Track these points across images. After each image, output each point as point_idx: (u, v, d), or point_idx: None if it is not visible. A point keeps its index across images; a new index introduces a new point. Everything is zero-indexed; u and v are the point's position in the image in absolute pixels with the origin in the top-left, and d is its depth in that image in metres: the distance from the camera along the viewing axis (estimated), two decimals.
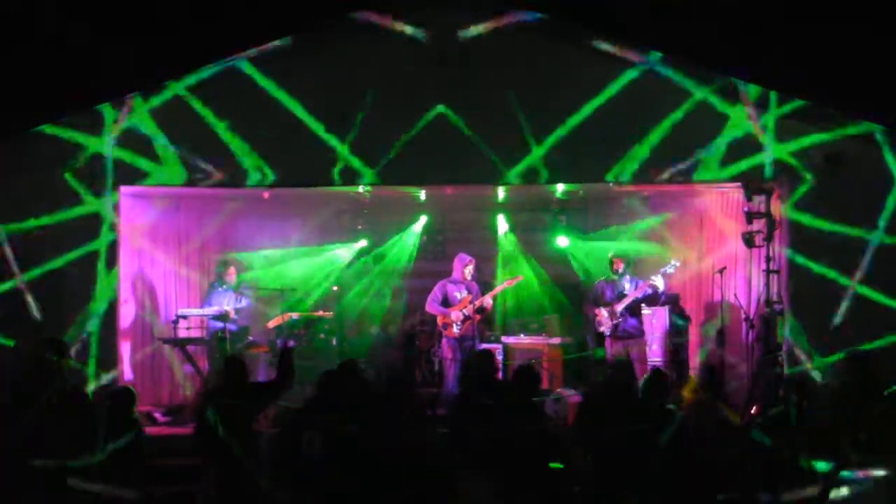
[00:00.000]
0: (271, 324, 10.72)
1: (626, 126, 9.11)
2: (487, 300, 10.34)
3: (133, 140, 9.06)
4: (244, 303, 10.30)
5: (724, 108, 9.11)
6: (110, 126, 9.01)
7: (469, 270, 10.34)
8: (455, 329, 10.18)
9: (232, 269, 10.46)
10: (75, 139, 8.98)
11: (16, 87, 8.32)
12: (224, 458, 6.45)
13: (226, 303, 10.09)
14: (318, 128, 9.11)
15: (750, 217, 9.28)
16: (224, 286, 10.29)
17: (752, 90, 9.08)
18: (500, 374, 9.60)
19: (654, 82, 9.09)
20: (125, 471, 6.34)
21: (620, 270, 9.90)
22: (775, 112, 9.08)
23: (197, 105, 9.05)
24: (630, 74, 9.08)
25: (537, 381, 7.06)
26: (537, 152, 9.15)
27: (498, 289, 10.70)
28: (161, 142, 9.07)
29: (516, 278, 10.86)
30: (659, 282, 9.65)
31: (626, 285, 9.82)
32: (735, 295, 9.90)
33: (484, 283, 10.83)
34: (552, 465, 6.48)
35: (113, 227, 9.07)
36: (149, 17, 8.02)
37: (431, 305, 10.36)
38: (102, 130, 9.00)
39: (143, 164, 9.08)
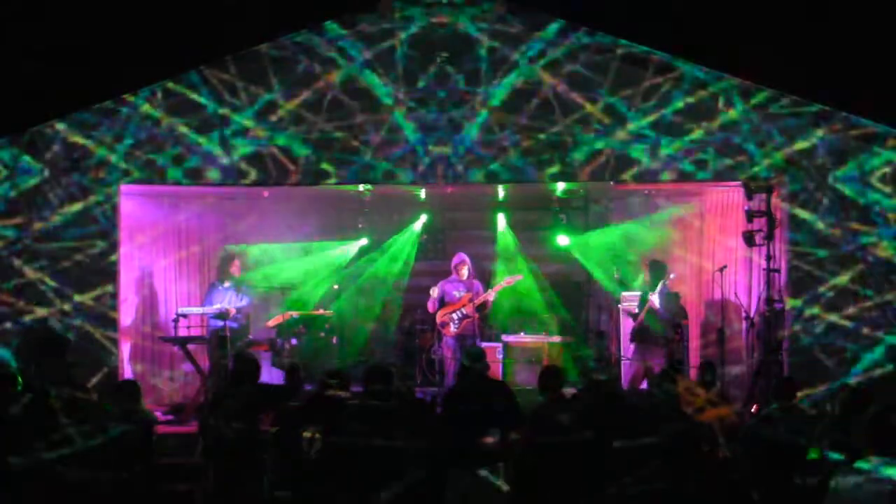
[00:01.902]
0: (271, 322, 10.72)
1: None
2: (486, 298, 10.36)
3: (133, 138, 9.07)
4: (245, 301, 10.27)
5: (725, 107, 9.12)
6: (111, 124, 9.03)
7: (463, 271, 10.37)
8: (452, 328, 10.23)
9: (236, 262, 10.42)
10: (76, 138, 9.00)
11: (17, 85, 8.33)
12: (226, 457, 6.46)
13: (227, 301, 10.07)
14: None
15: (750, 216, 9.27)
16: (225, 284, 10.26)
17: (755, 89, 9.08)
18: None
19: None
20: (130, 463, 6.32)
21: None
22: (776, 110, 9.09)
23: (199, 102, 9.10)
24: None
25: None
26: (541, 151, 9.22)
27: (497, 287, 10.70)
28: (161, 140, 9.09)
29: (515, 277, 10.85)
30: (656, 300, 9.87)
31: (650, 294, 10.03)
32: (735, 294, 9.89)
33: (485, 281, 10.84)
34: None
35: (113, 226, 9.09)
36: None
37: (431, 304, 10.44)
38: (103, 128, 9.02)
39: (142, 162, 9.09)
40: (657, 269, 10.19)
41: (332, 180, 9.28)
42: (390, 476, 6.01)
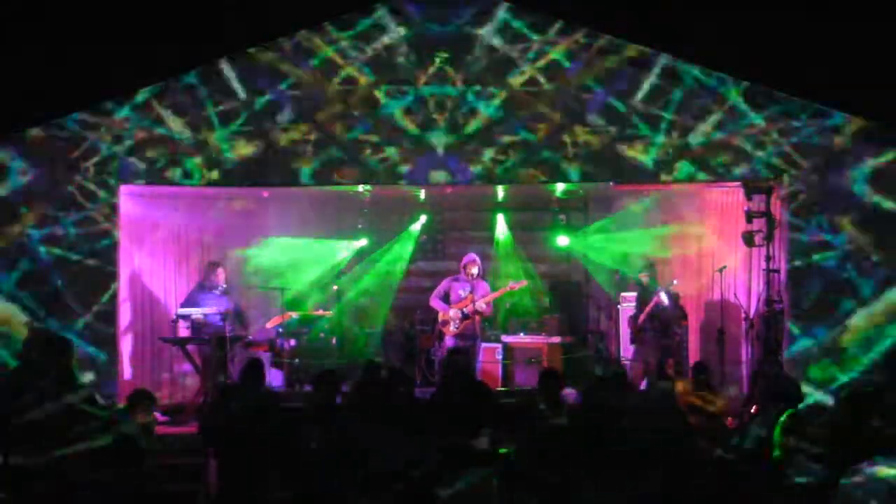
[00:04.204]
0: (270, 323, 10.71)
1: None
2: (485, 301, 10.35)
3: (133, 138, 9.06)
4: (230, 305, 10.04)
5: (724, 107, 9.13)
6: (111, 124, 9.02)
7: (473, 271, 10.37)
8: (452, 327, 10.23)
9: (220, 271, 10.23)
10: (78, 137, 8.99)
11: (17, 85, 8.32)
12: (231, 455, 6.45)
13: (211, 305, 9.91)
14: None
15: (750, 216, 9.28)
16: (215, 291, 10.09)
17: (754, 89, 9.10)
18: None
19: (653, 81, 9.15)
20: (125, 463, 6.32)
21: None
22: (776, 111, 9.11)
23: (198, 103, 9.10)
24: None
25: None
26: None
27: (501, 291, 10.71)
28: (161, 140, 9.08)
29: (521, 282, 10.84)
30: (664, 298, 10.07)
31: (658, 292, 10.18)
32: (735, 294, 9.90)
33: (491, 283, 10.85)
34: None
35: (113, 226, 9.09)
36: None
37: (434, 300, 10.50)
38: (103, 128, 9.01)
39: (143, 162, 9.08)
40: (650, 270, 10.31)
41: (332, 180, 9.28)
42: (387, 475, 6.03)
